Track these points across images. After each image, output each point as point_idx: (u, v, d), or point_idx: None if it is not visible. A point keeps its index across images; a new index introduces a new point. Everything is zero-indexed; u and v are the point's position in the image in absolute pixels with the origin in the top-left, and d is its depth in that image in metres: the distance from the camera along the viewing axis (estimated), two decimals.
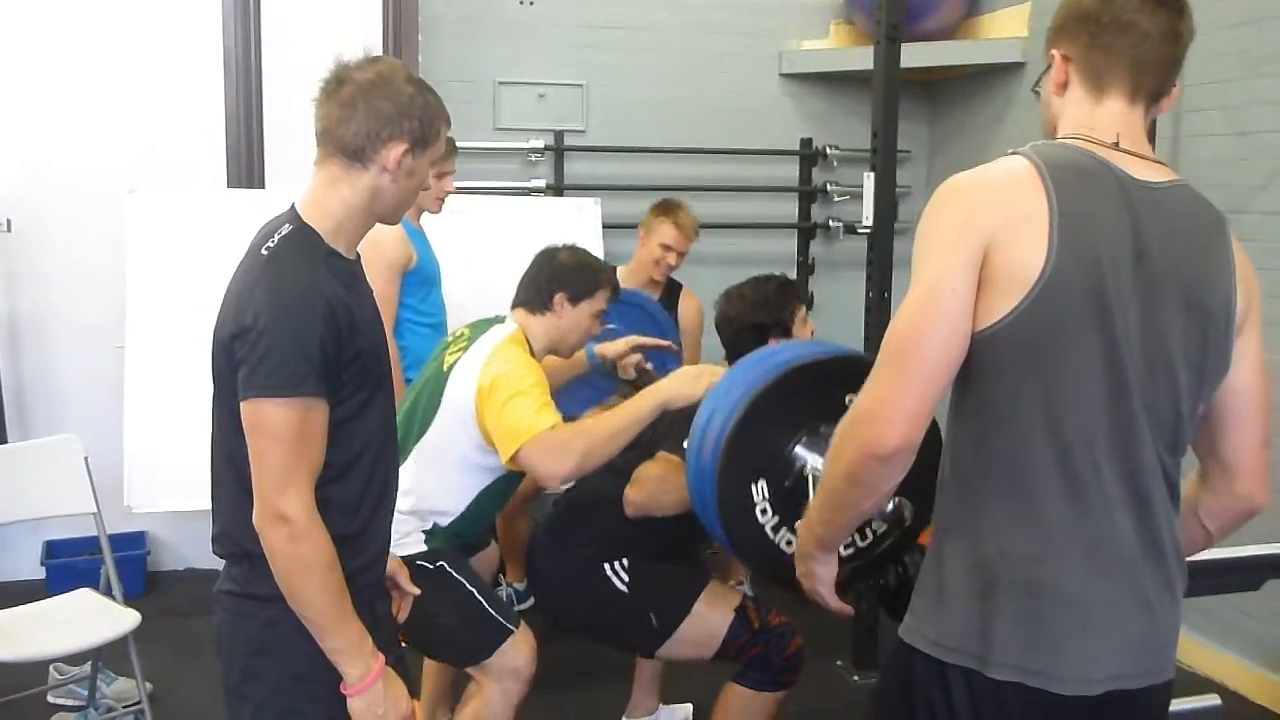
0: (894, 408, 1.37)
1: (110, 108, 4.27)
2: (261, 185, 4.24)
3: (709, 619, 2.66)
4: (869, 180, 3.50)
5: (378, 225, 1.81)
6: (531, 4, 4.88)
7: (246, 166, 4.23)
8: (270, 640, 1.72)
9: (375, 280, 1.89)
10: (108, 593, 3.17)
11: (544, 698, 3.34)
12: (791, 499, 2.07)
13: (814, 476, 2.00)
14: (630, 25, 4.98)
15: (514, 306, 2.76)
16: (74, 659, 3.25)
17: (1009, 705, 1.41)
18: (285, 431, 1.61)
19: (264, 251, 1.68)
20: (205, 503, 1.77)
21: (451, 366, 2.60)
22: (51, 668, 3.35)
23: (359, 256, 1.82)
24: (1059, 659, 1.40)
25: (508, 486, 2.67)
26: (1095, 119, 1.46)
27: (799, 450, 2.09)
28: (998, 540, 1.41)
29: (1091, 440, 1.38)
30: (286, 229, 1.70)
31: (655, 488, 2.58)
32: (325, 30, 4.37)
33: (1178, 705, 2.56)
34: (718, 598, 2.69)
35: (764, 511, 2.09)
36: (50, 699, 3.33)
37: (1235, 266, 1.47)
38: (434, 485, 2.58)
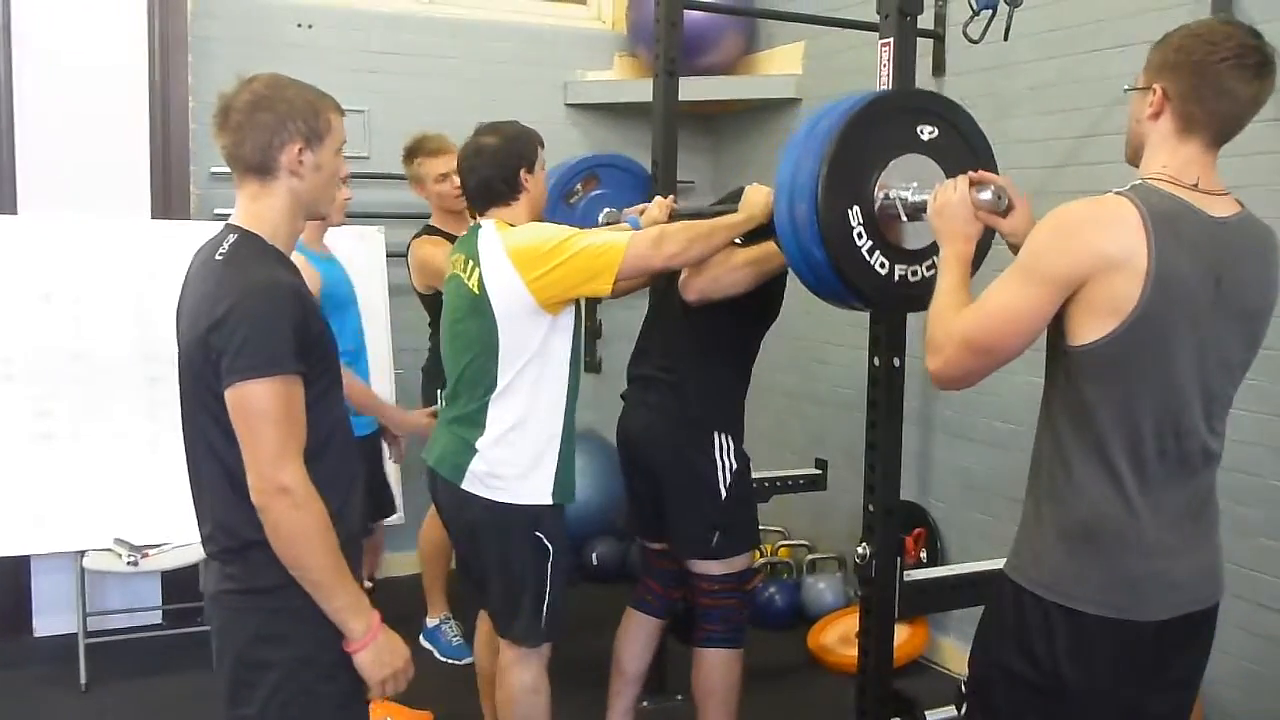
0: (965, 375, 1.84)
1: None
2: (14, 211, 3.92)
3: (741, 562, 2.88)
4: None
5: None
6: (310, 27, 4.75)
7: None
8: (275, 629, 1.82)
9: None
10: None
11: None
12: (878, 224, 2.30)
13: (900, 199, 2.26)
14: (413, 52, 4.93)
15: (484, 213, 2.67)
16: None
17: (1094, 634, 1.77)
18: (273, 407, 1.72)
19: (218, 258, 1.82)
20: None
21: (480, 284, 2.54)
22: None
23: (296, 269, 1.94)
24: (1138, 595, 1.77)
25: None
26: (1179, 159, 1.77)
27: (881, 179, 2.28)
28: (1089, 505, 1.78)
29: (1161, 431, 1.75)
30: (233, 238, 1.85)
31: (716, 269, 2.67)
32: (83, 50, 4.11)
33: None
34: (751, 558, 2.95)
35: (860, 235, 2.27)
36: None
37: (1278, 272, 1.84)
38: (528, 396, 2.57)
